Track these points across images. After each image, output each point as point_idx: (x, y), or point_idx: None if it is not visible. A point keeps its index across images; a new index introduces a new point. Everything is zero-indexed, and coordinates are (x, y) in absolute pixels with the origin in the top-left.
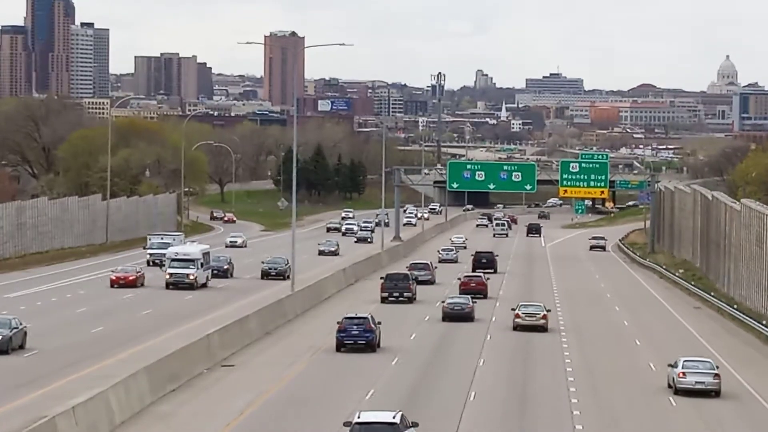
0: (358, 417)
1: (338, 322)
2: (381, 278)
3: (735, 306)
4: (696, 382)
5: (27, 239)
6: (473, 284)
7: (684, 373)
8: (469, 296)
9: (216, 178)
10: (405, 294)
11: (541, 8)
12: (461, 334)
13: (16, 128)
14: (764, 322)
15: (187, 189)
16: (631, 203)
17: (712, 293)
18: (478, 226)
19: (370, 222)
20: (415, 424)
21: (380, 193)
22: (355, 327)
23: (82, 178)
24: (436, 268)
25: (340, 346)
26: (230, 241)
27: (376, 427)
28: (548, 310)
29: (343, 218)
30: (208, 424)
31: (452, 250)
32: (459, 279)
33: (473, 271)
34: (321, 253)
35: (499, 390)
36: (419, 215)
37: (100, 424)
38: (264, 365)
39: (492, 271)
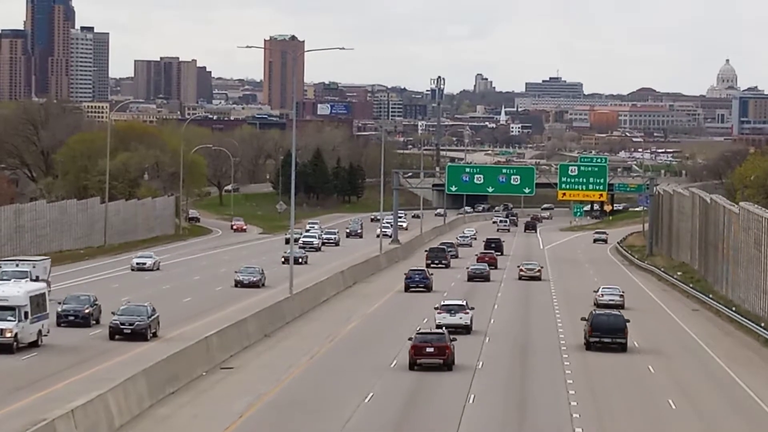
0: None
1: (405, 274)
2: (425, 250)
3: (733, 308)
4: (609, 299)
5: (25, 242)
6: (487, 258)
7: (602, 294)
8: (485, 264)
9: (215, 181)
10: (443, 261)
11: (541, 12)
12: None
13: (15, 132)
14: (762, 325)
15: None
16: (621, 206)
17: (711, 295)
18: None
19: (334, 232)
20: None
21: (379, 196)
22: (417, 275)
23: (81, 182)
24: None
25: (408, 288)
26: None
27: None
28: (542, 267)
29: (306, 230)
30: (208, 427)
31: (468, 236)
32: (476, 255)
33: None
34: (238, 284)
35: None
36: (404, 224)
37: (100, 427)
38: (263, 368)
39: (499, 253)
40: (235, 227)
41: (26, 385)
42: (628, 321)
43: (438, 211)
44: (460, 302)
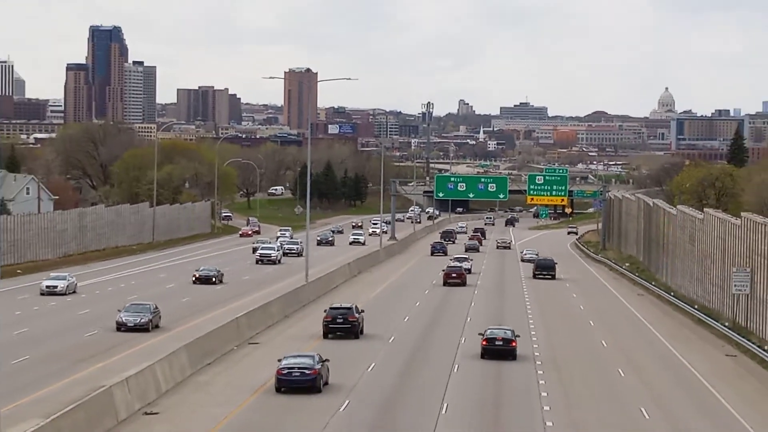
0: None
1: (431, 244)
2: (439, 232)
3: (672, 293)
4: (530, 257)
5: (87, 239)
6: (476, 238)
7: (525, 253)
8: (476, 241)
9: (243, 189)
10: (451, 239)
11: (512, 48)
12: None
13: (79, 148)
14: (696, 307)
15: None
16: (562, 211)
17: (653, 283)
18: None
19: (297, 242)
20: None
21: (379, 201)
22: (438, 245)
23: (133, 189)
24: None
25: (433, 253)
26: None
27: None
28: (511, 241)
29: (277, 237)
30: (239, 391)
31: (464, 227)
32: (469, 237)
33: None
34: (120, 327)
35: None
36: (372, 231)
37: (149, 392)
38: (285, 342)
39: (483, 237)
40: (241, 233)
41: (88, 357)
42: (557, 263)
43: (428, 210)
44: (464, 256)
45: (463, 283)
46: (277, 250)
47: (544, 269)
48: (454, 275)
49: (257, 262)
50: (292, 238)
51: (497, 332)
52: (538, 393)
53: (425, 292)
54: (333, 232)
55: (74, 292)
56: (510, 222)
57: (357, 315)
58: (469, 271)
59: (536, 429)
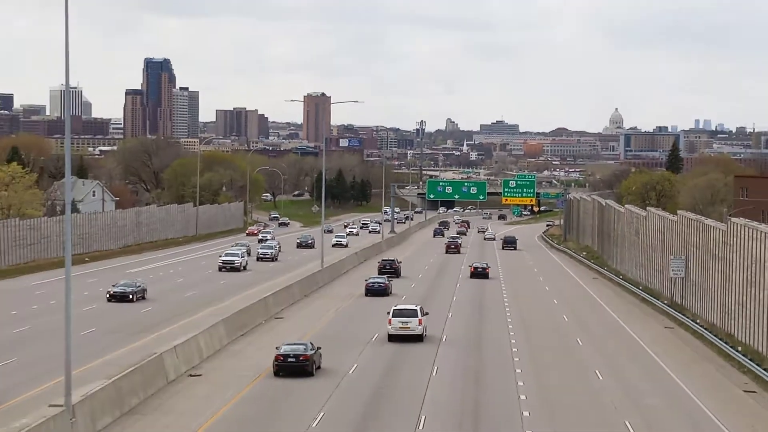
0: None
1: (434, 229)
2: (438, 222)
3: (621, 276)
4: (488, 237)
5: (142, 233)
6: (463, 227)
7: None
8: (464, 228)
9: (270, 191)
10: (445, 227)
11: (490, 76)
12: (462, 237)
13: (135, 158)
14: (640, 288)
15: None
16: (543, 208)
17: (605, 268)
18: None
19: (271, 246)
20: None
21: (381, 201)
22: (438, 229)
23: (180, 192)
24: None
25: (435, 235)
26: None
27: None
28: (488, 228)
29: (259, 241)
30: (268, 356)
31: (458, 220)
32: (457, 225)
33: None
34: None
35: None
36: (355, 231)
37: (193, 358)
38: (304, 317)
39: (468, 228)
40: (247, 232)
41: (143, 329)
42: (517, 239)
43: (416, 210)
44: (456, 236)
45: (458, 251)
46: (242, 256)
47: (509, 243)
48: (452, 246)
49: (219, 270)
50: (274, 239)
51: (478, 264)
52: (509, 348)
53: (430, 260)
54: (326, 231)
55: (143, 298)
56: (501, 216)
57: (398, 264)
58: (460, 244)
59: (508, 370)
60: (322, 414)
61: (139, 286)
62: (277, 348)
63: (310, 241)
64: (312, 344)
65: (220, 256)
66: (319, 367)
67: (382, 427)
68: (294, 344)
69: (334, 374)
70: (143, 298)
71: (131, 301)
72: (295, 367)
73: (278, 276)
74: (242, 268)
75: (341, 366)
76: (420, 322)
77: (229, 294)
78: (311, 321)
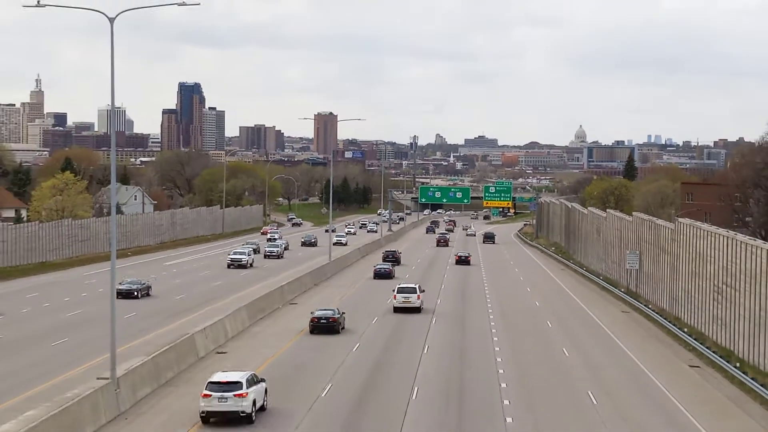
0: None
1: (428, 225)
2: (430, 221)
3: (584, 268)
4: (469, 233)
5: (177, 231)
6: (451, 225)
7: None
8: (452, 226)
9: (286, 196)
10: (437, 225)
11: (474, 97)
12: (451, 234)
13: (171, 168)
14: (601, 277)
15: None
16: (507, 211)
17: (571, 261)
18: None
19: (244, 252)
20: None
21: (380, 205)
22: (432, 223)
23: (209, 196)
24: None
25: (427, 231)
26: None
27: None
28: (470, 226)
29: (268, 240)
30: (284, 337)
31: (448, 219)
32: (445, 222)
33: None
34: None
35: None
36: (353, 231)
37: (220, 337)
38: (315, 303)
39: (455, 226)
40: (262, 232)
41: (175, 314)
42: (495, 235)
43: (407, 211)
44: (445, 233)
45: (447, 245)
46: (249, 255)
47: (489, 238)
48: (442, 241)
49: (228, 267)
50: (281, 238)
51: (461, 253)
52: (489, 330)
53: (424, 252)
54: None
55: (148, 294)
56: (485, 217)
57: (399, 254)
58: (449, 239)
59: (488, 347)
60: (351, 357)
61: (144, 284)
62: (311, 312)
63: (313, 240)
64: (338, 310)
65: (229, 255)
66: (343, 328)
67: (386, 379)
68: (325, 310)
69: (355, 333)
70: (148, 294)
71: (136, 297)
72: (326, 326)
73: (284, 271)
74: (248, 265)
75: (360, 328)
76: (418, 297)
77: (251, 283)
78: (323, 305)
